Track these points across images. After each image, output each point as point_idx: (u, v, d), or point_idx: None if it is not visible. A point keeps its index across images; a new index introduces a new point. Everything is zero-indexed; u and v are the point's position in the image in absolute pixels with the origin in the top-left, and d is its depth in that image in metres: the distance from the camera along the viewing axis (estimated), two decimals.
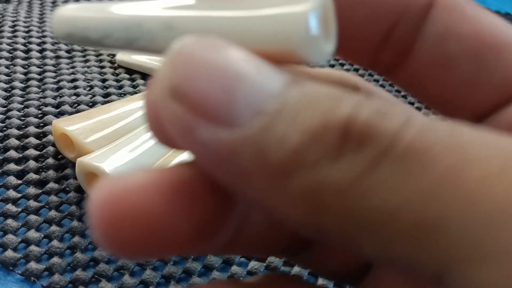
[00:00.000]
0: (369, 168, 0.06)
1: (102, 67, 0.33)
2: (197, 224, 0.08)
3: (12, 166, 0.23)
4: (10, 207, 0.21)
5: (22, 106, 0.27)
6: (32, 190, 0.22)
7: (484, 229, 0.06)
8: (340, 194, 0.06)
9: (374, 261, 0.08)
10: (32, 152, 0.24)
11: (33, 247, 0.20)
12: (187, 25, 0.09)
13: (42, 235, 0.20)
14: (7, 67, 0.31)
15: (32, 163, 0.24)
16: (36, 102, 0.28)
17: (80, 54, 0.34)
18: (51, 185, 0.23)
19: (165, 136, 0.08)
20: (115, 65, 0.33)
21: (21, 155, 0.24)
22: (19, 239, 0.20)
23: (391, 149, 0.06)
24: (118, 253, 0.08)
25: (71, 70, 0.32)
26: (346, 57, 0.11)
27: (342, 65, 0.39)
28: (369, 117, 0.06)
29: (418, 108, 0.33)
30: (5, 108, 0.27)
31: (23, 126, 0.26)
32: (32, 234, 0.20)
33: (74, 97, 0.29)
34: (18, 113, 0.27)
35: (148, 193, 0.08)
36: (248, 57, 0.07)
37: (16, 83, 0.29)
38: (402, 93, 0.35)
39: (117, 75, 0.32)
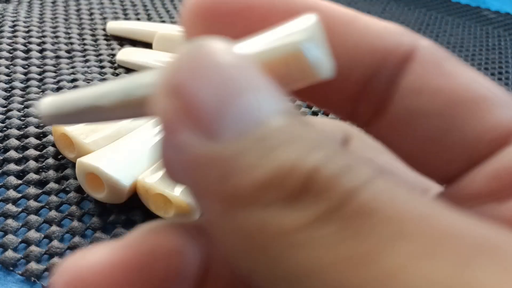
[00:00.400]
0: (316, 221, 0.06)
1: (102, 67, 0.33)
2: None
3: (12, 166, 0.23)
4: (10, 207, 0.21)
5: (22, 106, 0.27)
6: (32, 190, 0.22)
7: None
8: (280, 239, 0.06)
9: None
10: (32, 152, 0.24)
11: (33, 247, 0.20)
12: None
13: (43, 235, 0.20)
14: (7, 67, 0.31)
15: (32, 163, 0.24)
16: (36, 102, 0.28)
17: (80, 54, 0.34)
18: (51, 185, 0.23)
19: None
20: (115, 65, 0.33)
21: (21, 155, 0.24)
22: (19, 239, 0.20)
23: (342, 206, 0.06)
24: None
25: (71, 70, 0.32)
26: (325, 107, 0.11)
27: None
28: (333, 171, 0.06)
29: None
30: (5, 108, 0.27)
31: (23, 126, 0.26)
32: (32, 234, 0.20)
33: None
34: (18, 113, 0.27)
35: (105, 277, 0.08)
36: (254, 73, 0.07)
37: (16, 83, 0.29)
38: None
39: (117, 75, 0.32)
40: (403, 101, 0.10)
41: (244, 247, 0.07)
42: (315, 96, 0.09)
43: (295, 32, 0.08)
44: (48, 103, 0.10)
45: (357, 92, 0.10)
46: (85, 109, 0.10)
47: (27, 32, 0.35)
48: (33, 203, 0.22)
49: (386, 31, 0.10)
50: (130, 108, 0.09)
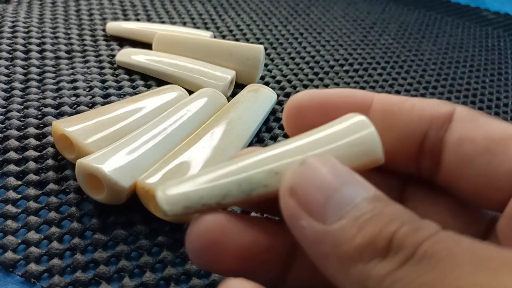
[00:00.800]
0: (399, 266, 0.10)
1: (101, 68, 0.33)
2: (252, 248, 0.12)
3: (12, 167, 0.23)
4: (10, 208, 0.21)
5: (22, 107, 0.27)
6: (32, 191, 0.22)
7: None
8: (379, 282, 0.10)
9: None
10: (31, 153, 0.24)
11: (33, 249, 0.20)
12: (287, 166, 0.12)
13: (42, 236, 0.20)
14: (6, 67, 0.31)
15: (32, 164, 0.24)
16: (35, 103, 0.28)
17: (79, 55, 0.34)
18: (51, 186, 0.23)
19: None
20: (115, 65, 0.33)
21: (20, 156, 0.24)
22: (19, 240, 0.20)
23: (413, 255, 0.10)
24: (203, 267, 0.13)
25: (71, 71, 0.32)
26: (394, 170, 0.14)
27: None
28: (405, 233, 0.10)
29: None
30: (4, 109, 0.27)
31: (22, 127, 0.26)
32: (32, 235, 0.20)
33: (73, 98, 0.29)
34: (17, 114, 0.27)
35: (222, 231, 0.12)
36: (345, 173, 0.11)
37: (16, 84, 0.29)
38: None
39: (117, 75, 0.32)
40: (450, 152, 0.13)
41: None
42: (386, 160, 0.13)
43: (371, 144, 0.12)
44: (170, 199, 0.12)
45: (416, 151, 0.14)
46: (208, 208, 0.12)
47: (27, 32, 0.35)
48: (32, 204, 0.22)
49: (428, 104, 0.14)
50: (246, 202, 0.12)
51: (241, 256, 0.12)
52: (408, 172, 0.14)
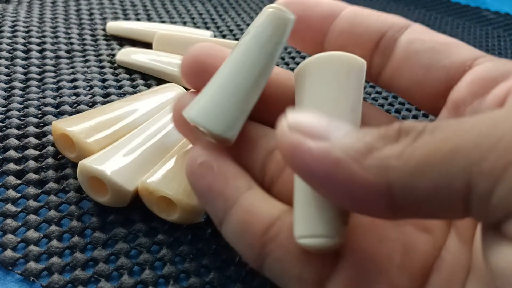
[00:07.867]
0: (414, 140, 0.11)
1: (102, 67, 0.33)
2: None
3: (11, 166, 0.23)
4: (10, 207, 0.21)
5: (22, 106, 0.27)
6: (31, 190, 0.22)
7: None
8: (398, 156, 0.11)
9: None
10: (31, 152, 0.24)
11: (32, 247, 0.20)
12: None
13: (42, 235, 0.20)
14: (7, 67, 0.31)
15: (31, 163, 0.24)
16: (36, 102, 0.28)
17: (80, 54, 0.34)
18: (51, 185, 0.23)
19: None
20: (115, 65, 0.33)
21: (20, 155, 0.24)
22: (19, 239, 0.20)
23: (423, 131, 0.11)
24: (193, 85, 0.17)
25: (71, 70, 0.32)
26: None
27: None
28: (410, 124, 0.12)
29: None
30: (4, 108, 0.27)
31: (22, 126, 0.26)
32: (32, 234, 0.20)
33: (74, 97, 0.29)
34: (17, 113, 0.27)
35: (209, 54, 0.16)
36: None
37: (16, 83, 0.29)
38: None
39: (117, 75, 0.32)
40: (401, 48, 0.16)
41: (380, 173, 0.11)
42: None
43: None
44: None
45: (372, 50, 0.17)
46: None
47: (27, 32, 0.35)
48: (32, 203, 0.22)
49: (392, 15, 0.17)
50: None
51: None
52: None
